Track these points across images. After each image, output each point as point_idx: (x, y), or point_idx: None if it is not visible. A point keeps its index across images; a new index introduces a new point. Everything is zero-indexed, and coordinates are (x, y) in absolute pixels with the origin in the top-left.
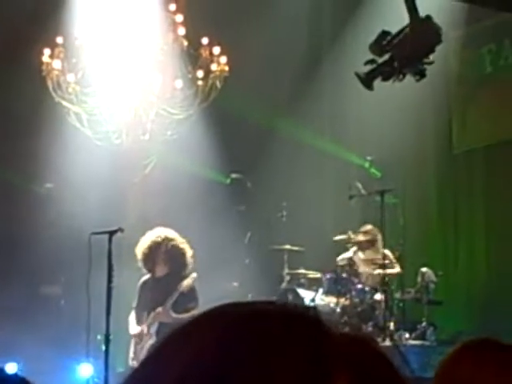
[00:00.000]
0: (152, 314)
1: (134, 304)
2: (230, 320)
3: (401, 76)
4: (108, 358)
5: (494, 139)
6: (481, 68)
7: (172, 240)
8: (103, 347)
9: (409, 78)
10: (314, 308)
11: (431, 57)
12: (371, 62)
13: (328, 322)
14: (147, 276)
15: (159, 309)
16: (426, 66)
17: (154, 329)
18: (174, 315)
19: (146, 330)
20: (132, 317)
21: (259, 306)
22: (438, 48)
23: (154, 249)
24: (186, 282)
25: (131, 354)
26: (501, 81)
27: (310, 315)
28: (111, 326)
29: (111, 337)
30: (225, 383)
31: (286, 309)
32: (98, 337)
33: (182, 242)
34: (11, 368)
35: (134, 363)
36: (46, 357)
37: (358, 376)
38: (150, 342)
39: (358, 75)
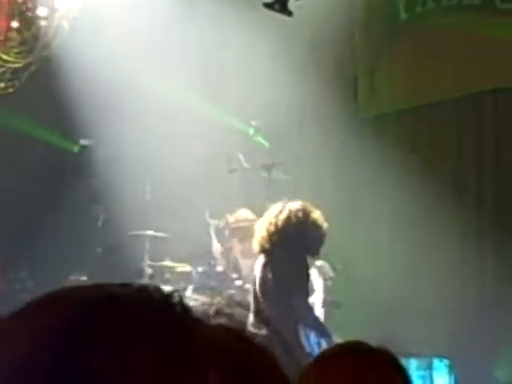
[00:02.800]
0: None
1: None
2: (68, 306)
3: None
4: None
5: (409, 102)
6: (394, 15)
7: None
8: None
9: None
10: (179, 294)
11: None
12: None
13: (196, 311)
14: None
15: None
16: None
17: None
18: None
19: None
20: None
21: (110, 290)
22: None
23: None
24: None
25: None
26: (417, 31)
27: (176, 301)
28: None
29: None
30: (63, 379)
31: (144, 293)
32: None
33: None
34: None
35: None
36: None
37: (232, 373)
38: None
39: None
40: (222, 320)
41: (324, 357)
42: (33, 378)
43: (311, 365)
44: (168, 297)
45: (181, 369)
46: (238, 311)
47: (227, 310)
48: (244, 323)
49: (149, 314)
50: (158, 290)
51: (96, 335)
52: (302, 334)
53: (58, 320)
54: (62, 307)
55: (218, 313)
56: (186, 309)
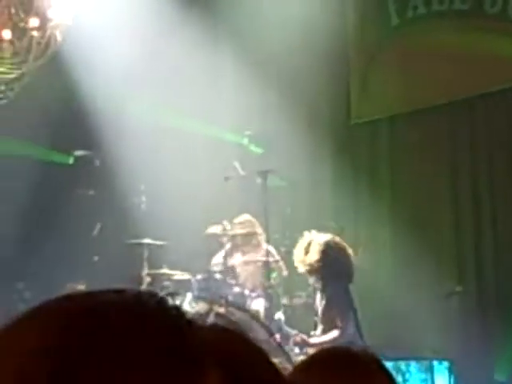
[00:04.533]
0: None
1: None
2: (66, 317)
3: None
4: None
5: (400, 107)
6: (385, 20)
7: None
8: None
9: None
10: (173, 296)
11: None
12: None
13: (192, 314)
14: None
15: None
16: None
17: None
18: None
19: None
20: None
21: (103, 297)
22: None
23: None
24: None
25: None
26: (409, 36)
27: (170, 305)
28: None
29: None
30: None
31: (138, 298)
32: None
33: None
34: None
35: None
36: None
37: (229, 374)
38: None
39: None
40: (218, 321)
41: (303, 361)
42: None
43: (293, 368)
44: (162, 301)
45: (178, 372)
46: (238, 314)
47: (222, 311)
48: (242, 325)
49: (143, 320)
50: (153, 294)
51: (83, 351)
52: None
53: (43, 338)
54: (47, 323)
55: (212, 314)
56: (180, 311)
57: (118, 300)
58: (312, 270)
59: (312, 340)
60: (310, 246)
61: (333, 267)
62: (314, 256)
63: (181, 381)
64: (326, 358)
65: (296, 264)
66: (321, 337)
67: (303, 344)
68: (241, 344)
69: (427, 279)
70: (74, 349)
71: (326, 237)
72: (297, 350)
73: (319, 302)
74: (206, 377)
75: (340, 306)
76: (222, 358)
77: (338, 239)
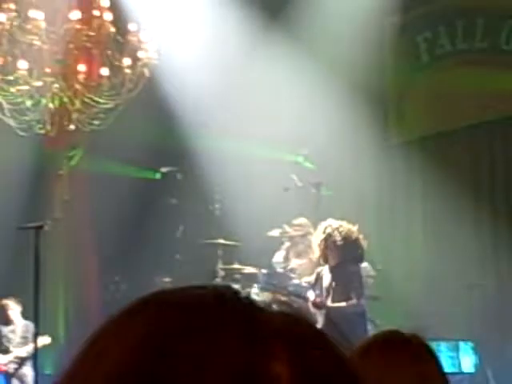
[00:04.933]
0: None
1: None
2: (164, 307)
3: None
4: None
5: (431, 130)
6: (417, 56)
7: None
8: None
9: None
10: (243, 289)
11: None
12: None
13: (261, 302)
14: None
15: None
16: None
17: None
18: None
19: None
20: None
21: (192, 291)
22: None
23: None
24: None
25: None
26: (437, 70)
27: (243, 296)
28: None
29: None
30: (157, 373)
31: (219, 291)
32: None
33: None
34: None
35: None
36: None
37: (296, 353)
38: None
39: None
40: (282, 308)
41: (361, 346)
42: None
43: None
44: (237, 292)
45: (251, 353)
46: (298, 302)
47: (284, 299)
48: (303, 310)
49: (222, 309)
50: (229, 287)
51: (181, 333)
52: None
53: (146, 324)
54: (149, 311)
55: (278, 302)
56: (252, 300)
57: (202, 293)
58: (322, 254)
59: (329, 303)
60: (323, 233)
61: (340, 250)
62: (323, 241)
63: (254, 360)
64: (383, 344)
65: (313, 249)
66: (338, 303)
67: (321, 306)
68: (306, 328)
69: (454, 272)
70: (172, 331)
71: (336, 224)
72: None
73: (329, 282)
74: (276, 356)
75: (352, 283)
76: (290, 340)
77: (345, 226)
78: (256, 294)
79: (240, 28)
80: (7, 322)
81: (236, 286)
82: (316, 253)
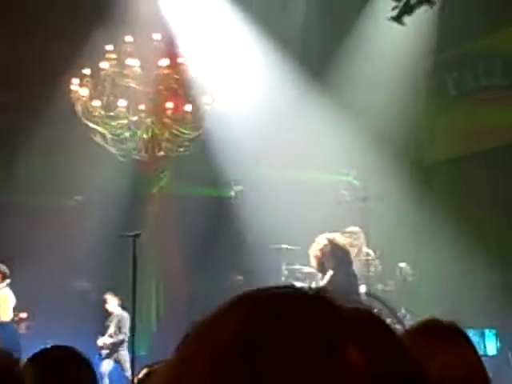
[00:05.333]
0: None
1: None
2: (260, 301)
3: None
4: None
5: (458, 153)
6: (446, 92)
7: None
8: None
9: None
10: (323, 289)
11: None
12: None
13: (336, 300)
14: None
15: None
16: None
17: None
18: None
19: None
20: None
21: (280, 290)
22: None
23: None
24: None
25: None
26: (463, 103)
27: (322, 295)
28: None
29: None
30: (253, 355)
31: (302, 291)
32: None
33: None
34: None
35: None
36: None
37: (367, 342)
38: None
39: (392, 18)
40: (353, 304)
41: (406, 335)
42: None
43: None
44: (318, 291)
45: (329, 339)
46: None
47: (358, 299)
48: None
49: (306, 304)
50: (310, 288)
51: (271, 323)
52: None
53: (246, 311)
54: (249, 304)
55: (351, 300)
56: (331, 299)
57: (288, 292)
58: (317, 263)
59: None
60: (317, 245)
61: (331, 258)
62: (317, 252)
63: (333, 348)
64: (427, 332)
65: (311, 259)
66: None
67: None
68: (376, 321)
69: (477, 271)
70: (264, 322)
71: (328, 237)
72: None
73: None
74: (349, 345)
75: (340, 286)
76: (363, 332)
77: (334, 238)
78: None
79: (288, 80)
80: (107, 312)
81: (297, 283)
82: (313, 262)
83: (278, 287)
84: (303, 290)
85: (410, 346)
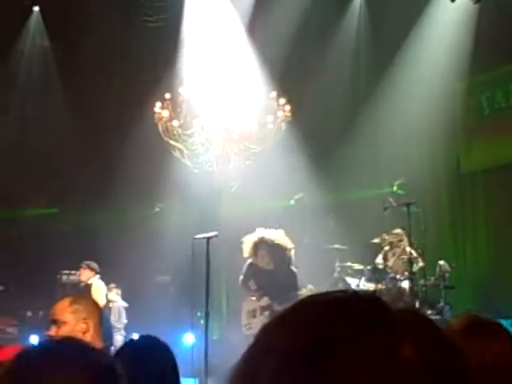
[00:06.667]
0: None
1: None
2: (325, 305)
3: None
4: (207, 328)
5: (491, 163)
6: (480, 110)
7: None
8: (202, 321)
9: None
10: (375, 292)
11: None
12: None
13: (387, 302)
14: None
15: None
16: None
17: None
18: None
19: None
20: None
21: (339, 294)
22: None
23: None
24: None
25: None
26: (495, 120)
27: (376, 298)
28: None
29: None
30: (321, 354)
31: (359, 294)
32: (198, 313)
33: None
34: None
35: (248, 332)
36: (159, 330)
37: (418, 339)
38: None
39: None
40: (401, 304)
41: (453, 329)
42: None
43: None
44: (373, 294)
45: (385, 336)
46: (394, 290)
47: (385, 294)
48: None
49: (361, 305)
50: (364, 291)
51: (333, 328)
52: None
53: (305, 316)
54: (308, 310)
55: (396, 300)
56: (382, 299)
57: (345, 295)
58: (249, 257)
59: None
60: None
61: (264, 256)
62: (248, 248)
63: (388, 344)
64: (471, 326)
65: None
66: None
67: None
68: (425, 321)
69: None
70: (327, 323)
71: (260, 234)
72: None
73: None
74: (402, 342)
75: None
76: (414, 331)
77: (269, 235)
78: (363, 284)
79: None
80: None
81: (349, 278)
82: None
83: (336, 291)
84: (359, 293)
85: (453, 340)
